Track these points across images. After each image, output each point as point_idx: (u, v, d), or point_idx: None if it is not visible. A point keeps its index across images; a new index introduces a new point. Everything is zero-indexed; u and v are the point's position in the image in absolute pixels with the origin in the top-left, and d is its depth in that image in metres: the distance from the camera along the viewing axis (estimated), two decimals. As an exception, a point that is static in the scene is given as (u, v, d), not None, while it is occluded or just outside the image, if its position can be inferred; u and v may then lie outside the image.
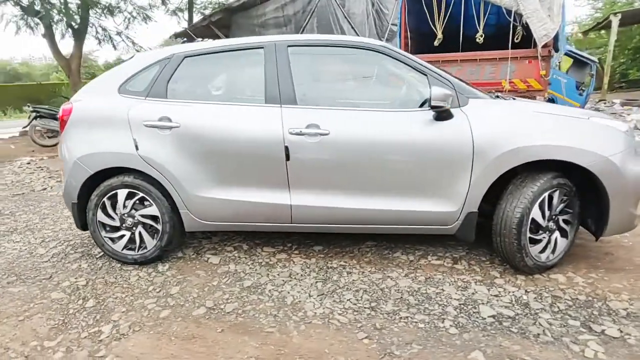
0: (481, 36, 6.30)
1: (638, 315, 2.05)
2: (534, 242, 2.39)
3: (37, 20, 10.59)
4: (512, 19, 5.97)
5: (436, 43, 6.65)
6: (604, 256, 2.70)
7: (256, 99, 2.53)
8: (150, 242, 2.69)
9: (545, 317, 2.08)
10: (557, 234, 2.43)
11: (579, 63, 11.33)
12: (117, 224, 2.69)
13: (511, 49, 6.09)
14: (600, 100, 12.26)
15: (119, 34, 12.42)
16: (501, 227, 2.35)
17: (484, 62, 6.38)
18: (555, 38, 6.00)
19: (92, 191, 2.65)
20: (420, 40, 7.09)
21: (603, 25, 15.32)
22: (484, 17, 6.23)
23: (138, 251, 2.71)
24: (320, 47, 2.61)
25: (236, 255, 2.86)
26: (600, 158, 2.25)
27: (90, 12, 11.26)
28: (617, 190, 2.29)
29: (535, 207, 2.31)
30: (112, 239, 2.71)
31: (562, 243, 2.47)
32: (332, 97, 2.57)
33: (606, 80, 13.79)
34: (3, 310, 2.27)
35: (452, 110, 2.34)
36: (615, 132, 2.36)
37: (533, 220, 2.33)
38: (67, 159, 2.66)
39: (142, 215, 2.65)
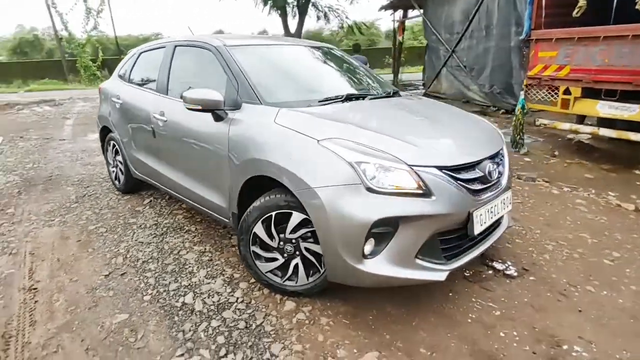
0: (643, 0, 4.22)
1: None
2: (266, 259, 2.28)
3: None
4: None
5: (576, 13, 4.89)
6: (430, 311, 2.17)
7: (155, 87, 3.29)
8: (122, 179, 4.01)
9: (214, 324, 2.14)
10: (298, 260, 2.20)
11: None
12: (111, 162, 4.14)
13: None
14: None
15: (331, 10, 14.15)
16: (241, 233, 2.38)
17: (640, 41, 4.31)
18: None
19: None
20: (558, 10, 5.30)
21: None
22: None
23: (119, 184, 4.10)
24: (186, 46, 3.06)
25: (162, 203, 3.83)
26: (306, 186, 1.92)
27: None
28: (322, 229, 1.92)
29: (259, 224, 2.21)
30: (111, 172, 4.20)
31: (313, 275, 2.21)
32: (179, 89, 3.01)
33: None
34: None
35: (229, 112, 2.44)
36: (338, 161, 1.88)
37: (256, 235, 2.23)
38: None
39: (118, 161, 3.98)
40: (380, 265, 1.89)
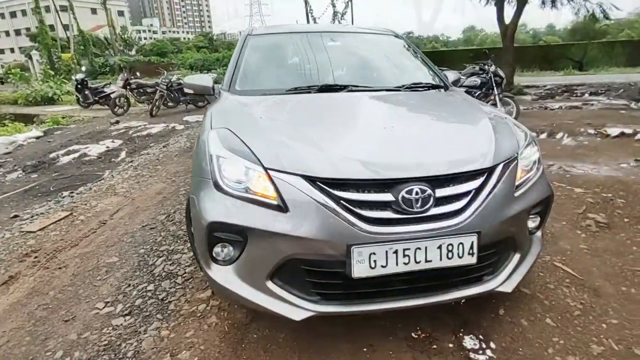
0: None
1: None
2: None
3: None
4: None
5: None
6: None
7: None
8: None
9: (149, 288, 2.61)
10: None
11: None
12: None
13: None
14: None
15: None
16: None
17: None
18: None
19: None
20: None
21: None
22: None
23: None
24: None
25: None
26: (191, 174, 2.09)
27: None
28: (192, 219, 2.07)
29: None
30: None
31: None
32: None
33: None
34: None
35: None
36: (206, 152, 1.89)
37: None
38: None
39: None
40: (229, 277, 1.68)
